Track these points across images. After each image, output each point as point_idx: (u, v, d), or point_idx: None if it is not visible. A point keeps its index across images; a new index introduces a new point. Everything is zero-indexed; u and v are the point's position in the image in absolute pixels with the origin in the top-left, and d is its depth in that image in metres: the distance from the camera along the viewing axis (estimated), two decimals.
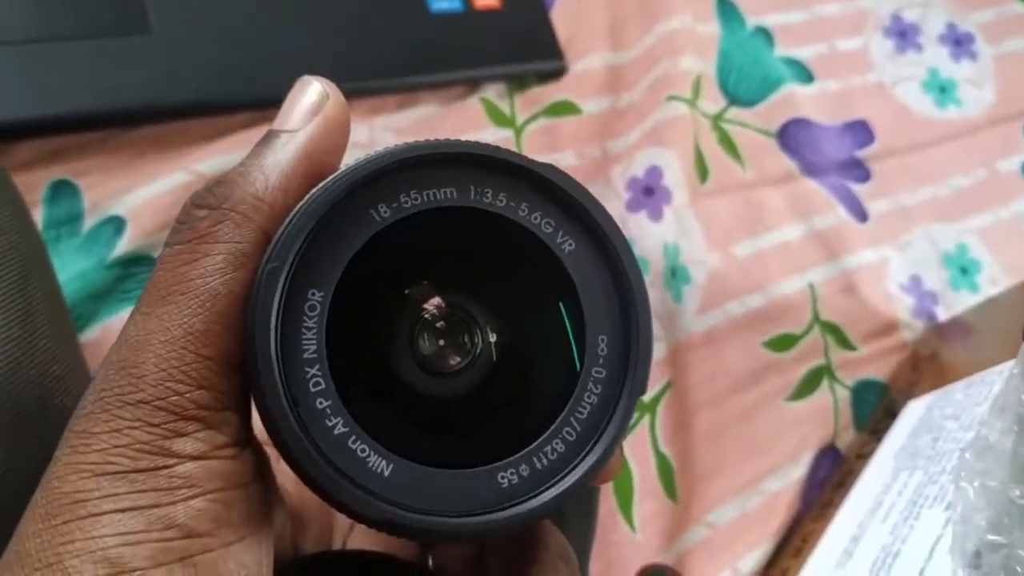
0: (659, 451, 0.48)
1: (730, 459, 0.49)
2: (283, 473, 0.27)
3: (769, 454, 0.50)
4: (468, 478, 0.18)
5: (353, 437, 0.18)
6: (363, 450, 0.18)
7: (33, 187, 0.43)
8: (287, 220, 0.18)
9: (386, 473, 0.18)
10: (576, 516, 0.33)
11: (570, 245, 0.20)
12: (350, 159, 0.20)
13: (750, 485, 0.49)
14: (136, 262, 0.43)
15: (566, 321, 0.20)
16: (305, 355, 0.18)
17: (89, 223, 0.43)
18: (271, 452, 0.21)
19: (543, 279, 0.20)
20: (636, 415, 0.48)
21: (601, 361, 0.19)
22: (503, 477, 0.18)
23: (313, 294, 0.18)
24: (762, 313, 0.52)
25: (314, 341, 0.18)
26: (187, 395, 0.18)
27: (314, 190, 0.19)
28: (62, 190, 0.43)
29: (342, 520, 0.27)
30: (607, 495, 0.46)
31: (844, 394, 0.52)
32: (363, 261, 0.19)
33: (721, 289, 0.52)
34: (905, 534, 0.39)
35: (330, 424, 0.18)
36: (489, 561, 0.24)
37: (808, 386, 0.52)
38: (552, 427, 0.19)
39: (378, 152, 0.19)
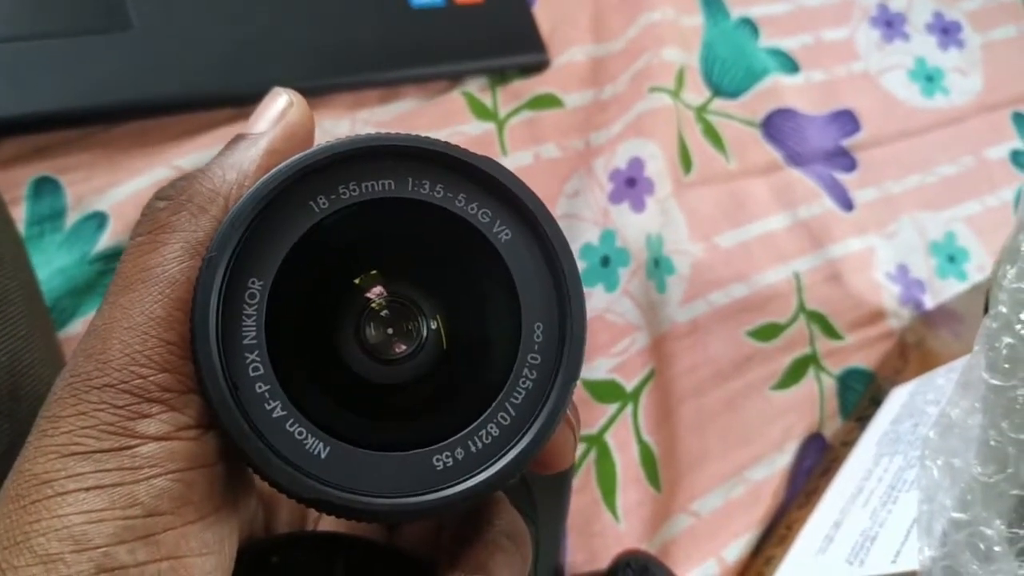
0: (642, 440, 0.48)
1: (715, 448, 0.49)
2: None
3: (754, 443, 0.50)
4: (404, 461, 0.19)
5: (291, 420, 0.18)
6: (300, 433, 0.18)
7: (16, 184, 0.43)
8: (230, 212, 0.19)
9: (323, 455, 0.18)
10: (546, 503, 0.33)
11: (506, 235, 0.20)
12: None
13: (735, 474, 0.49)
14: (118, 257, 0.43)
15: (502, 309, 0.20)
16: (245, 341, 0.18)
17: (72, 219, 0.43)
18: None
19: (481, 268, 0.20)
20: (618, 404, 0.48)
21: (537, 347, 0.20)
22: (438, 460, 0.19)
23: (253, 283, 0.19)
24: (747, 303, 0.52)
25: (253, 328, 0.18)
26: (150, 378, 0.19)
27: (256, 183, 0.19)
28: (45, 187, 0.44)
29: None
30: (590, 485, 0.47)
31: (830, 383, 0.52)
32: (305, 252, 0.19)
33: (705, 279, 0.52)
34: (883, 518, 0.39)
35: (268, 408, 0.18)
36: (443, 539, 0.25)
37: (794, 375, 0.52)
38: (488, 411, 0.19)
39: (319, 146, 0.19)
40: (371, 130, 0.49)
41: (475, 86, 0.53)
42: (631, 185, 0.52)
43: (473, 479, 0.19)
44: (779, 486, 0.49)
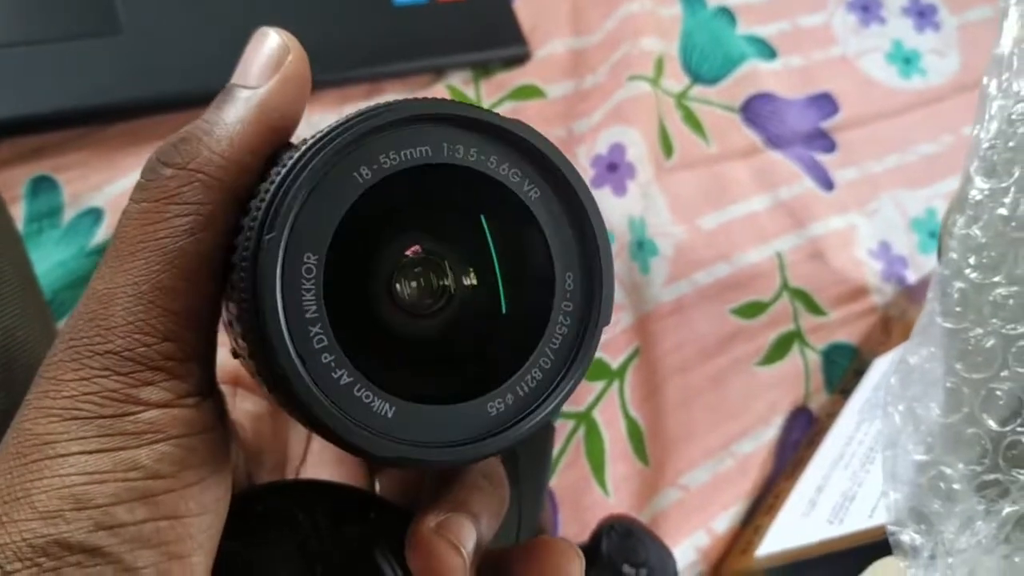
0: (629, 415, 0.49)
1: (702, 423, 0.50)
2: (238, 411, 0.28)
3: (741, 417, 0.51)
4: (461, 411, 0.20)
5: (358, 386, 0.19)
6: (367, 396, 0.19)
7: (14, 183, 0.45)
8: (276, 188, 0.19)
9: (389, 415, 0.20)
10: (528, 467, 0.34)
11: (536, 192, 0.21)
12: None
13: (722, 448, 0.50)
14: None
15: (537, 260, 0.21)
16: (307, 315, 0.19)
17: (69, 215, 0.45)
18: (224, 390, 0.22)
19: (514, 224, 0.21)
20: (605, 381, 0.49)
21: (569, 295, 0.21)
22: (491, 407, 0.20)
23: (308, 258, 0.19)
24: (730, 282, 0.53)
25: (313, 301, 0.19)
26: (154, 347, 0.19)
27: (297, 156, 0.19)
28: (42, 185, 0.45)
29: (295, 453, 0.29)
30: (580, 460, 0.47)
31: (815, 358, 0.53)
32: (350, 221, 0.20)
33: (688, 260, 0.53)
34: (862, 478, 0.40)
35: (336, 376, 0.19)
36: (424, 482, 0.26)
37: (778, 351, 0.53)
38: (530, 358, 0.21)
39: (354, 116, 0.20)
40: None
41: (459, 79, 0.55)
42: (612, 170, 0.53)
43: (526, 420, 0.20)
44: (766, 459, 0.50)
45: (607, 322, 0.21)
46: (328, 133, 0.19)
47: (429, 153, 0.20)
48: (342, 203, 0.19)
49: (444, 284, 0.22)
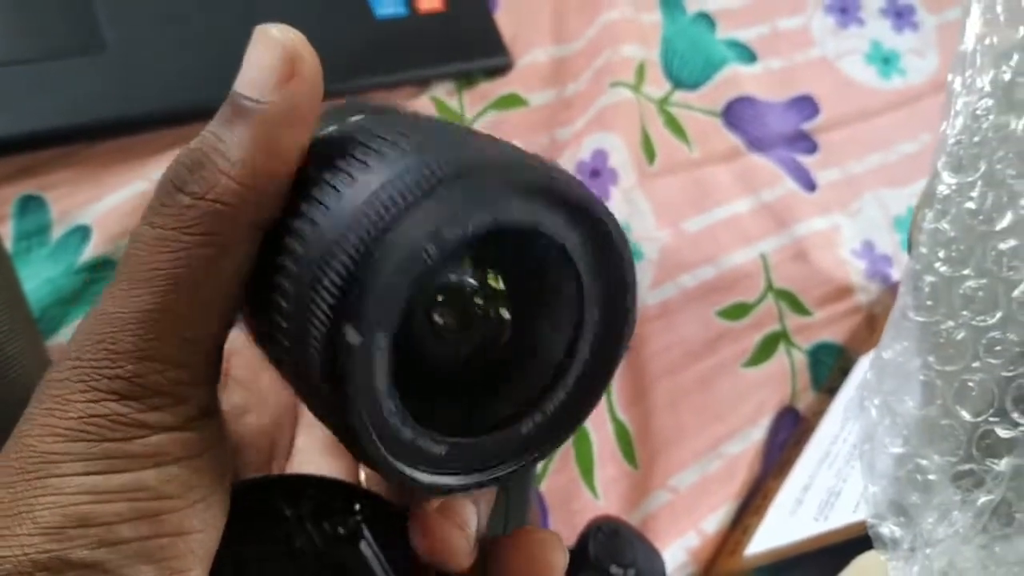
0: (616, 418, 0.49)
1: (689, 425, 0.50)
2: (225, 404, 0.29)
3: (728, 419, 0.51)
4: (500, 437, 0.22)
5: (418, 439, 0.21)
6: (424, 443, 0.21)
7: (2, 203, 0.45)
8: (345, 281, 0.18)
9: (443, 454, 0.21)
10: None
11: (575, 238, 0.21)
12: None
13: (710, 449, 0.50)
14: (103, 266, 0.45)
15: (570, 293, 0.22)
16: (381, 389, 0.20)
17: (57, 233, 0.45)
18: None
19: (548, 264, 0.22)
20: None
21: (595, 327, 0.22)
22: (524, 428, 0.22)
23: (381, 340, 0.19)
24: (715, 284, 0.54)
25: (385, 378, 0.20)
26: (164, 373, 0.19)
27: (365, 248, 0.18)
28: (30, 204, 0.46)
29: (280, 447, 0.29)
30: (569, 464, 0.48)
31: (801, 358, 0.54)
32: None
33: (673, 263, 0.54)
34: (847, 474, 0.41)
35: (400, 432, 0.20)
36: None
37: (764, 352, 0.53)
38: (559, 384, 0.22)
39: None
40: None
41: (442, 90, 0.55)
42: (595, 176, 0.54)
43: (555, 436, 0.22)
44: (754, 459, 0.50)
45: (626, 349, 0.22)
46: (384, 214, 0.18)
47: (489, 220, 0.19)
48: (409, 285, 0.19)
49: (481, 316, 0.23)
